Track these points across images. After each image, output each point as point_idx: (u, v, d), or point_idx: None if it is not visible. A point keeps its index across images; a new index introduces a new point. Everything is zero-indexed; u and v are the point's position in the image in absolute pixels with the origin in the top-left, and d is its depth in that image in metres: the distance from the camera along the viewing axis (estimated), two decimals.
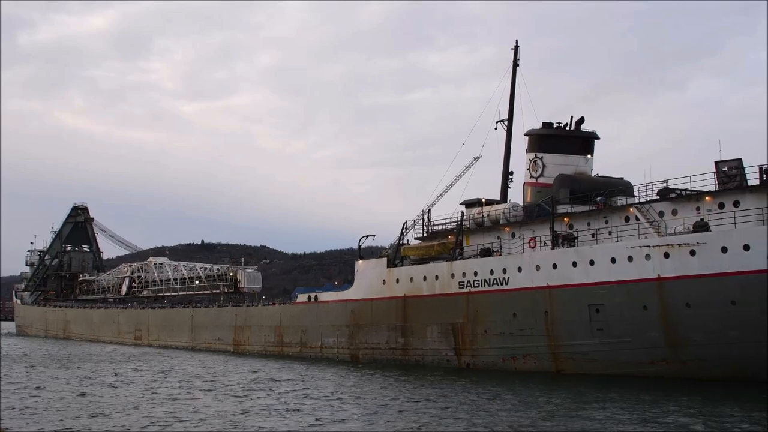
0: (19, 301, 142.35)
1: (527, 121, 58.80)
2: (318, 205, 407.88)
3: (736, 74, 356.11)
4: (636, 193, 49.55)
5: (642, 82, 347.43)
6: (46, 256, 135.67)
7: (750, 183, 41.21)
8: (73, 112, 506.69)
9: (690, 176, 43.01)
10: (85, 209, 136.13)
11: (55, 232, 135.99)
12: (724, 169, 41.58)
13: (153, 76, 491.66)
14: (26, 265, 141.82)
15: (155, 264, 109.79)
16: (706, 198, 42.43)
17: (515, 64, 59.65)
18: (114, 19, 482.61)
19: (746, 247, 38.57)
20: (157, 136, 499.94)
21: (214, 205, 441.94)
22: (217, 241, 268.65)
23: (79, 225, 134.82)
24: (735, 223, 40.00)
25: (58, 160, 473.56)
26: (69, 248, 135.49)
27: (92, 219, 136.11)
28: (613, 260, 43.47)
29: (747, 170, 41.40)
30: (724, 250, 39.31)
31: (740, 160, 41.48)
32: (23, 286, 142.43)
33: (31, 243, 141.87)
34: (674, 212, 43.84)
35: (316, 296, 65.97)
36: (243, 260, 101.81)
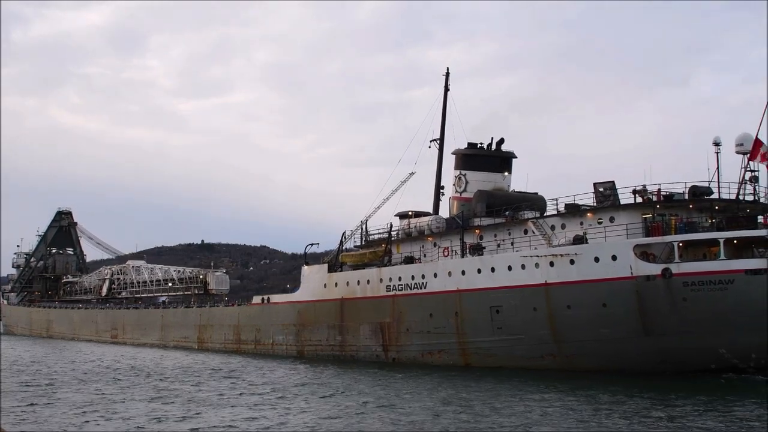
0: (5, 302, 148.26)
1: (459, 139, 65.08)
2: (318, 204, 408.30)
3: (739, 71, 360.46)
4: (549, 207, 56.05)
5: (644, 79, 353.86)
6: (32, 259, 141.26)
7: (623, 202, 47.83)
8: (69, 110, 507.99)
9: (574, 195, 49.85)
10: (69, 213, 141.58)
11: (40, 235, 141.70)
12: (600, 189, 48.14)
13: (149, 74, 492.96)
14: (12, 267, 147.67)
15: (133, 267, 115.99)
16: (588, 214, 49.02)
17: (446, 89, 66.12)
18: (109, 15, 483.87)
19: (614, 258, 45.13)
20: (155, 134, 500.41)
21: (214, 205, 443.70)
22: (217, 241, 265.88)
23: (63, 229, 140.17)
24: (605, 236, 46.59)
25: (57, 159, 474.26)
26: (53, 251, 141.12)
27: (75, 223, 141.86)
28: (510, 268, 49.91)
29: (620, 191, 48.08)
30: (596, 259, 45.85)
31: (613, 182, 48.13)
32: (10, 287, 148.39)
33: (18, 246, 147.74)
34: (563, 226, 50.35)
35: (268, 298, 72.37)
36: (213, 264, 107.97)
